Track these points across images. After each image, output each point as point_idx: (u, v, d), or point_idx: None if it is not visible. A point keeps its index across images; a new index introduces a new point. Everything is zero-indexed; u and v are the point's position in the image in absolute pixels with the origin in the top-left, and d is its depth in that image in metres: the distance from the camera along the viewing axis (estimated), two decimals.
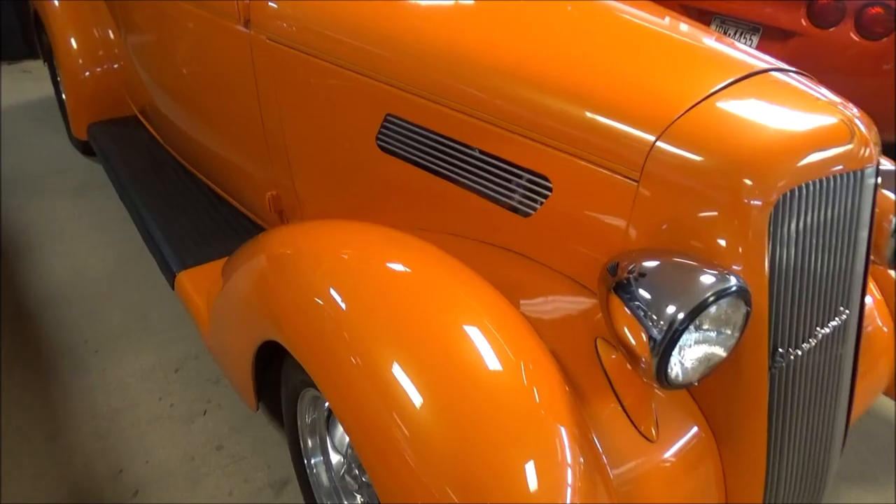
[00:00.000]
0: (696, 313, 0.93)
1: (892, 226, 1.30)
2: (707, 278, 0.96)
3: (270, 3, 1.63)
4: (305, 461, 1.41)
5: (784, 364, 1.12)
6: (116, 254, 2.42)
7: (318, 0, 1.58)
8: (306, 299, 1.16)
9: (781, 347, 1.11)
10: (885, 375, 1.55)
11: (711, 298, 0.94)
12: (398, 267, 1.16)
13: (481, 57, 1.32)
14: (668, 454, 1.13)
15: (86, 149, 3.01)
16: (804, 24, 3.07)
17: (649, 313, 0.96)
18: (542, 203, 1.26)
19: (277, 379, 1.44)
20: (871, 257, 1.35)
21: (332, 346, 1.06)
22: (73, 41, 2.72)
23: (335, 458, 1.42)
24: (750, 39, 3.27)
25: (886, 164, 1.44)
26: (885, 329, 1.53)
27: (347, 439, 1.35)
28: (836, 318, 1.16)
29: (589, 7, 1.47)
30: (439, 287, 1.12)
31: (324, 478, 1.41)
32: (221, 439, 1.71)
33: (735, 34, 3.33)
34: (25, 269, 2.32)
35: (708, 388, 1.15)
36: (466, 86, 1.32)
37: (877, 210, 1.31)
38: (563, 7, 1.46)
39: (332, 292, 1.13)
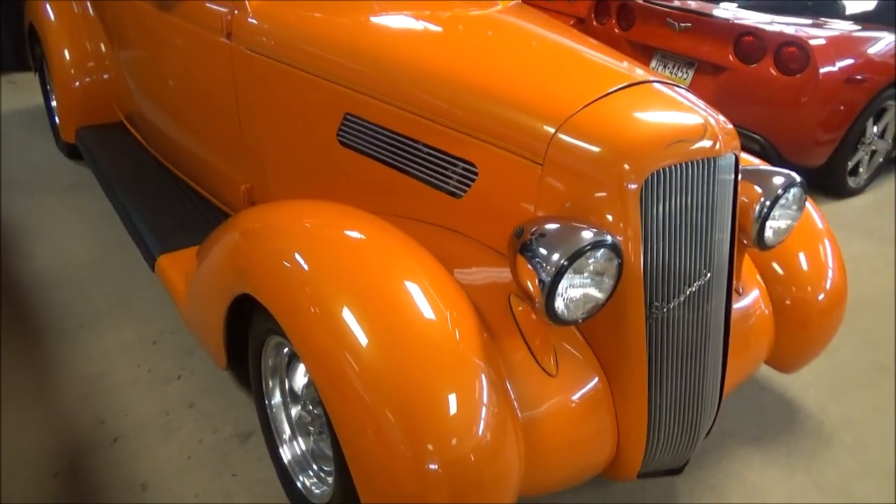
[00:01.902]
0: (575, 258, 1.20)
1: (756, 213, 1.59)
2: (587, 234, 1.24)
3: (250, 20, 1.90)
4: (266, 401, 1.64)
5: (658, 315, 1.38)
6: (101, 245, 2.63)
7: (290, 18, 1.86)
8: (274, 261, 1.40)
9: (656, 301, 1.38)
10: (765, 348, 1.82)
11: (588, 248, 1.21)
12: (351, 234, 1.42)
13: (423, 67, 1.61)
14: (568, 390, 1.38)
15: (72, 153, 3.24)
16: (732, 59, 3.43)
17: (541, 262, 1.23)
18: (470, 186, 1.52)
19: (243, 345, 1.67)
20: (744, 241, 1.65)
21: (296, 298, 1.31)
22: (66, 53, 2.96)
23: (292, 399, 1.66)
24: (686, 73, 3.63)
25: (756, 163, 1.74)
26: (766, 311, 1.81)
27: (304, 380, 1.58)
28: (701, 279, 1.43)
29: (508, 28, 1.81)
30: (384, 250, 1.38)
31: (282, 417, 1.64)
32: (194, 399, 1.92)
33: (673, 68, 3.69)
34: (17, 258, 2.52)
35: (598, 335, 1.42)
36: (411, 89, 1.60)
37: (745, 200, 1.61)
38: (486, 29, 1.78)
39: (296, 255, 1.38)
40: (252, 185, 2.16)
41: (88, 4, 2.98)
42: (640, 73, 1.50)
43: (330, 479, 1.55)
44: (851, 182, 3.71)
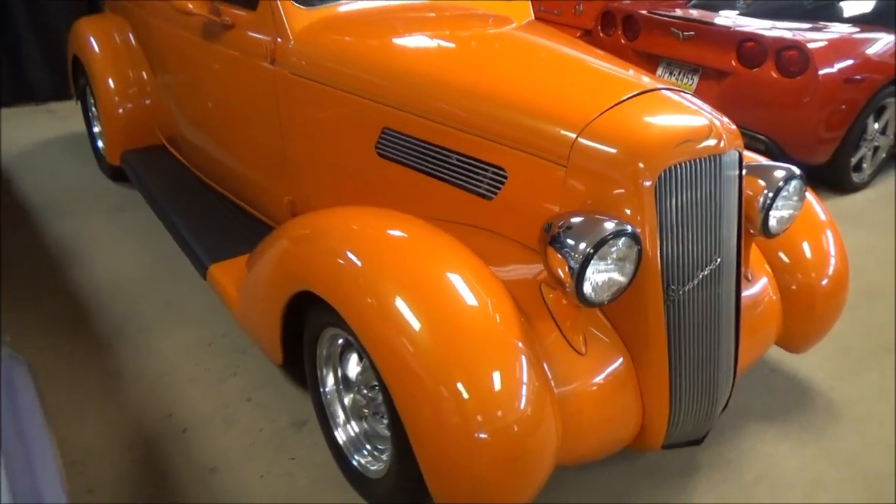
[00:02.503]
0: (599, 245, 1.37)
1: (760, 204, 1.75)
2: (609, 224, 1.41)
3: (290, 46, 2.09)
4: (321, 389, 1.81)
5: (675, 298, 1.55)
6: (150, 258, 2.83)
7: (327, 43, 2.05)
8: (329, 259, 1.58)
9: (673, 285, 1.54)
10: (774, 330, 1.98)
11: (611, 236, 1.38)
12: (394, 232, 1.60)
13: (451, 82, 1.80)
14: (597, 369, 1.55)
15: (115, 175, 3.45)
16: (734, 64, 3.60)
17: (570, 252, 1.40)
18: (500, 188, 1.70)
19: (294, 342, 1.84)
20: (751, 230, 1.81)
21: (353, 291, 1.49)
22: (110, 81, 3.18)
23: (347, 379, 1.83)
24: (691, 79, 3.80)
25: (759, 160, 1.90)
26: (774, 297, 1.97)
27: (357, 368, 1.75)
28: (712, 264, 1.59)
29: (525, 44, 2.02)
30: (427, 246, 1.56)
31: (336, 403, 1.81)
32: (250, 393, 2.10)
33: (679, 74, 3.86)
34: (74, 272, 2.72)
35: (622, 318, 1.58)
36: (443, 103, 1.78)
37: (750, 193, 1.78)
38: (506, 46, 1.98)
39: (347, 252, 1.55)
40: (294, 198, 2.35)
41: (130, 35, 3.19)
42: (648, 81, 1.68)
43: (383, 457, 1.71)
44: (856, 177, 3.86)
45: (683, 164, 1.50)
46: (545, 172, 1.61)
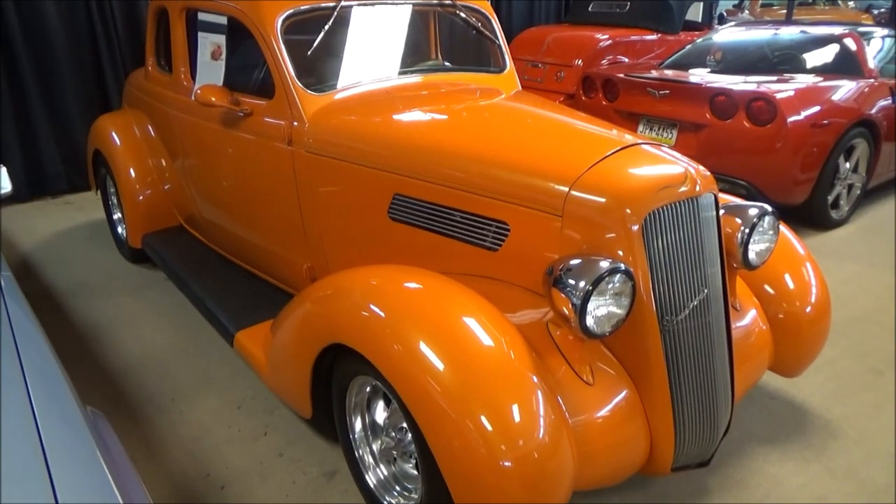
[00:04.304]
0: (597, 282, 1.55)
1: (739, 239, 1.94)
2: (605, 263, 1.59)
3: (306, 127, 2.33)
4: (351, 436, 1.94)
5: (670, 327, 1.72)
6: (177, 332, 2.99)
7: (337, 122, 2.28)
8: (355, 313, 1.75)
9: (667, 315, 1.71)
10: (767, 357, 2.13)
11: (607, 274, 1.56)
12: (410, 285, 1.78)
13: (454, 149, 2.02)
14: (605, 399, 1.70)
15: (135, 258, 3.65)
16: (709, 117, 3.88)
17: (572, 290, 1.58)
18: (504, 240, 1.89)
19: (321, 396, 1.98)
20: (734, 264, 1.99)
21: (381, 339, 1.65)
22: (132, 171, 3.41)
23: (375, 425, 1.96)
24: (671, 133, 4.07)
25: (735, 201, 2.10)
26: (764, 327, 2.13)
27: (384, 414, 1.89)
28: (700, 294, 1.76)
29: (515, 112, 2.27)
30: (441, 294, 1.74)
31: (365, 448, 1.94)
32: (281, 449, 2.22)
33: (658, 129, 4.13)
34: (106, 351, 2.87)
35: (624, 351, 1.74)
36: (447, 168, 1.99)
37: (729, 230, 1.97)
38: (498, 115, 2.22)
39: (371, 305, 1.73)
40: (313, 264, 2.54)
41: (149, 127, 3.45)
42: (629, 137, 1.90)
43: (413, 495, 1.84)
44: (835, 214, 4.08)
45: (665, 208, 1.70)
46: (543, 223, 1.80)
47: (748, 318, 2.10)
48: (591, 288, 1.55)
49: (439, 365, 1.54)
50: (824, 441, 2.23)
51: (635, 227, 1.67)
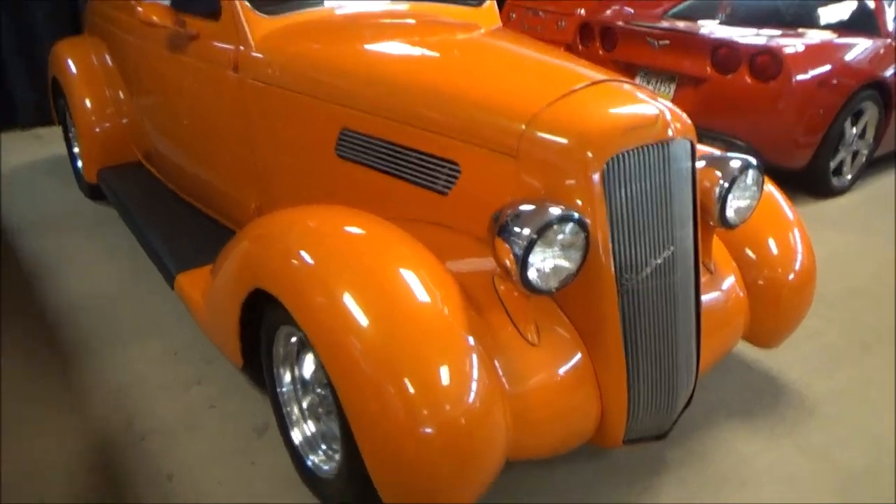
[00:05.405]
0: (543, 231, 1.36)
1: (717, 194, 1.74)
2: (555, 210, 1.40)
3: (253, 53, 2.11)
4: (278, 389, 1.78)
5: (629, 286, 1.53)
6: (126, 272, 2.82)
7: (290, 49, 2.06)
8: (283, 256, 1.57)
9: (626, 273, 1.52)
10: (741, 325, 1.95)
11: (555, 222, 1.37)
12: (349, 230, 1.59)
13: (408, 81, 1.80)
14: (552, 362, 1.52)
15: (94, 194, 3.46)
16: (709, 71, 3.62)
17: (515, 239, 1.39)
18: (454, 183, 1.69)
19: (257, 345, 1.82)
20: (710, 222, 1.80)
21: (303, 287, 1.47)
22: (87, 101, 3.20)
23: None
24: (668, 87, 3.82)
25: (714, 153, 1.89)
26: (741, 293, 1.95)
27: (312, 367, 1.73)
28: (665, 252, 1.57)
29: (487, 46, 2.01)
30: (379, 242, 1.55)
31: (293, 403, 1.78)
32: (214, 400, 2.07)
33: (656, 83, 3.88)
34: (45, 289, 2.71)
35: (577, 309, 1.56)
36: (397, 102, 1.78)
37: (707, 184, 1.77)
38: (469, 49, 1.99)
39: (301, 251, 1.54)
40: (261, 204, 2.35)
41: (107, 56, 3.23)
42: (598, 75, 1.68)
43: (336, 457, 1.68)
44: (836, 182, 3.85)
45: (631, 153, 1.49)
46: (496, 165, 1.60)
47: (723, 282, 1.91)
48: (535, 237, 1.36)
49: (363, 321, 1.36)
50: (800, 417, 2.06)
51: (596, 174, 1.47)
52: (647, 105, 1.56)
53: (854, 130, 3.80)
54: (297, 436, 1.76)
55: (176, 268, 2.32)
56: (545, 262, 1.42)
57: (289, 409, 1.80)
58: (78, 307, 2.58)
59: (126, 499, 1.72)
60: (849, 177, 3.93)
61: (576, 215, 1.40)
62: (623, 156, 1.49)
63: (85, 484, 1.76)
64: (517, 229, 1.40)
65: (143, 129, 3.07)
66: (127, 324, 2.47)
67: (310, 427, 1.77)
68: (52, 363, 2.25)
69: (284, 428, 1.81)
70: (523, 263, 1.37)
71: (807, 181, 3.82)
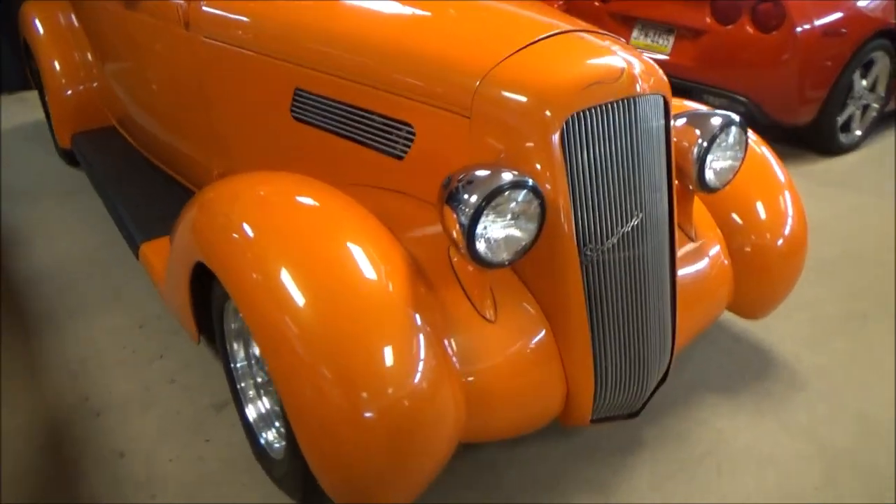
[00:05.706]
0: (491, 198, 1.24)
1: (695, 154, 1.61)
2: (507, 176, 1.27)
3: (204, 8, 1.97)
4: (232, 364, 1.70)
5: (593, 257, 1.41)
6: (96, 241, 2.74)
7: (239, 3, 1.92)
8: (223, 228, 1.46)
9: (590, 243, 1.40)
10: (725, 296, 1.83)
11: (507, 188, 1.25)
12: (299, 199, 1.47)
13: (362, 38, 1.66)
14: (511, 339, 1.42)
15: (70, 159, 3.37)
16: (709, 22, 3.42)
17: (462, 206, 1.27)
18: (410, 146, 1.57)
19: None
20: (689, 186, 1.67)
21: (240, 263, 1.36)
22: (56, 64, 3.08)
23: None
24: (667, 40, 3.62)
25: (698, 108, 1.75)
26: (724, 261, 1.82)
27: None
28: (634, 220, 1.45)
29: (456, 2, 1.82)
30: (326, 214, 1.43)
31: (248, 379, 1.70)
32: (174, 375, 2.00)
33: (654, 36, 3.68)
34: (16, 257, 2.64)
35: (538, 283, 1.45)
36: (351, 59, 1.65)
37: (685, 144, 1.63)
38: (434, 4, 1.80)
39: (243, 222, 1.43)
40: (224, 170, 2.24)
41: (73, 16, 3.10)
42: (564, 24, 1.53)
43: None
44: (844, 138, 3.66)
45: (594, 110, 1.36)
46: (451, 125, 1.47)
47: (705, 250, 1.78)
48: (483, 204, 1.24)
49: (299, 299, 1.25)
50: (786, 393, 1.95)
51: (555, 135, 1.34)
52: (614, 57, 1.42)
53: (864, 83, 3.59)
54: (251, 413, 1.69)
55: (140, 237, 2.23)
56: (496, 231, 1.30)
57: (244, 384, 1.72)
58: (45, 277, 2.51)
59: (76, 476, 1.66)
60: (858, 133, 3.73)
61: (530, 181, 1.28)
62: (584, 114, 1.35)
63: (37, 461, 1.70)
64: (465, 196, 1.28)
65: (113, 93, 2.95)
66: (94, 295, 2.40)
67: (265, 404, 1.69)
68: (15, 334, 2.18)
69: (240, 404, 1.73)
70: (469, 233, 1.26)
71: (813, 138, 3.63)
